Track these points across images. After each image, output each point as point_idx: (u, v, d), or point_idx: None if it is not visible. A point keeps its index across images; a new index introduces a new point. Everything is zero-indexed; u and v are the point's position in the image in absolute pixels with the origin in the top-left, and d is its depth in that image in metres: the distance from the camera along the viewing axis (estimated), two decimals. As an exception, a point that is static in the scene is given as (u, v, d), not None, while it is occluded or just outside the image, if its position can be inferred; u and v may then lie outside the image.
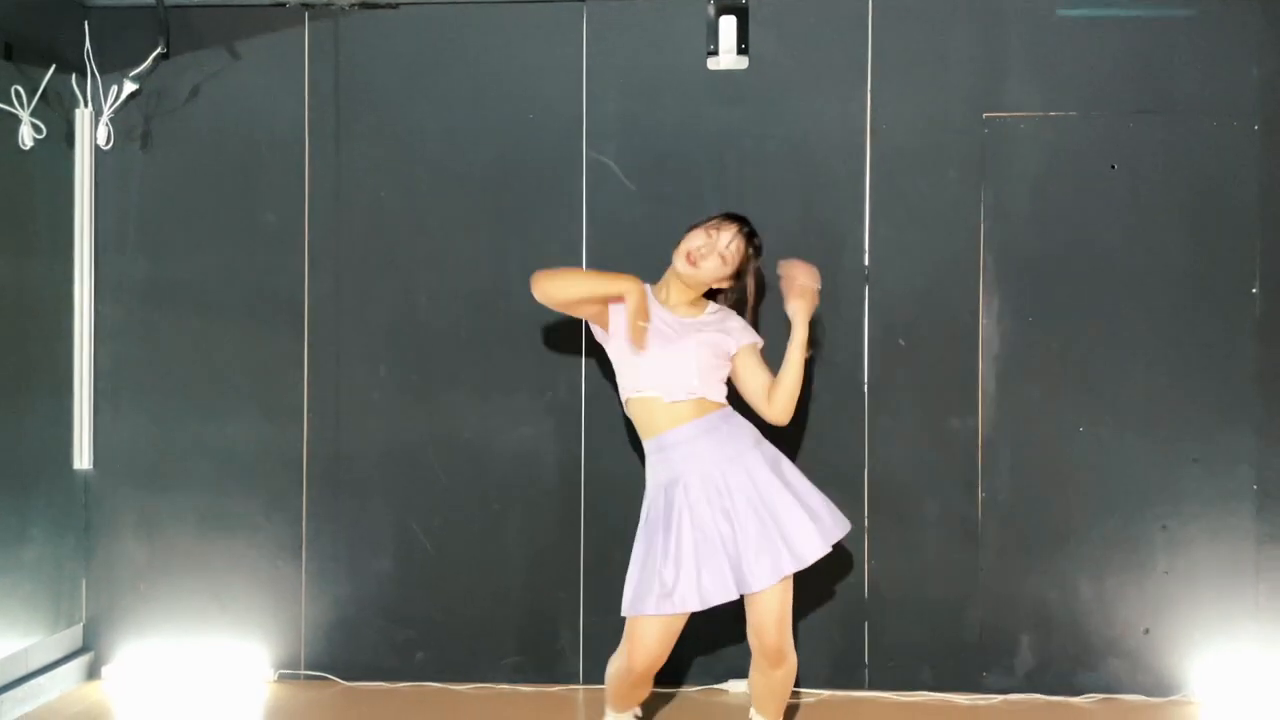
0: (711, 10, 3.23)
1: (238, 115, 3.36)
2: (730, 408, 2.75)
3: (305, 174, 3.34)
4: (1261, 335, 3.19)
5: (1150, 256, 3.21)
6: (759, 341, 2.80)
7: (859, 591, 3.26)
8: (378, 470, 3.34)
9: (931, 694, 3.23)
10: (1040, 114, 3.22)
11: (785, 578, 2.62)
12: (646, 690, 2.77)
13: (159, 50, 3.26)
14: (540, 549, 3.31)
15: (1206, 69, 3.20)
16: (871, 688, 3.25)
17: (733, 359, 2.76)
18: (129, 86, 3.28)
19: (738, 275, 2.78)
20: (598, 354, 3.24)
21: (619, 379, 2.78)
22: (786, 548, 2.61)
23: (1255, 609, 3.19)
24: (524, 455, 3.31)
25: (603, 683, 2.89)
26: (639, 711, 2.91)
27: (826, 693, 3.24)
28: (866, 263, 3.24)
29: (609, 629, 3.11)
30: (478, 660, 3.32)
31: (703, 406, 2.69)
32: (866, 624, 3.26)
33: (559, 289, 2.66)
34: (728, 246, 2.73)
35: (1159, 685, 3.21)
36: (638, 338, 2.64)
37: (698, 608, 2.59)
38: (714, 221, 2.77)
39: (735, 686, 3.25)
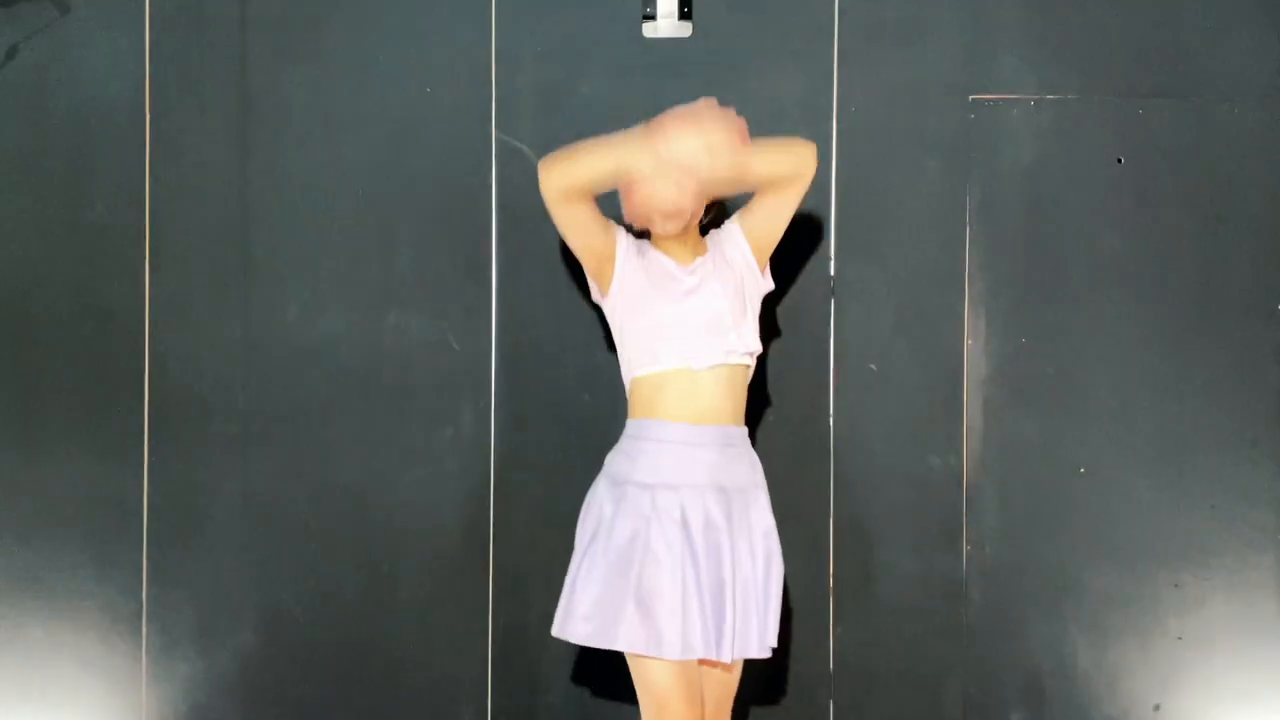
0: (648, -35, 3.03)
1: (62, 83, 3.12)
2: (747, 430, 2.64)
3: (145, 157, 3.12)
4: (1286, 359, 3.06)
5: (1162, 266, 3.06)
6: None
7: (823, 663, 3.08)
8: (236, 522, 3.09)
9: (908, 785, 3.04)
10: (1035, 97, 3.06)
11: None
12: None
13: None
14: (439, 618, 3.09)
15: (1229, 45, 3.06)
16: (838, 778, 3.06)
17: (746, 235, 2.64)
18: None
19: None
20: (511, 373, 3.08)
21: (625, 354, 2.60)
22: (771, 621, 2.50)
23: (1281, 679, 3.06)
24: (418, 504, 3.08)
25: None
26: None
27: (784, 786, 3.01)
28: (832, 272, 3.06)
29: (523, 712, 2.97)
30: (362, 754, 3.09)
31: (733, 401, 2.53)
32: (832, 703, 3.08)
33: (570, 171, 2.55)
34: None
35: (1170, 770, 3.05)
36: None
37: (679, 657, 2.39)
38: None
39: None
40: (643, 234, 2.66)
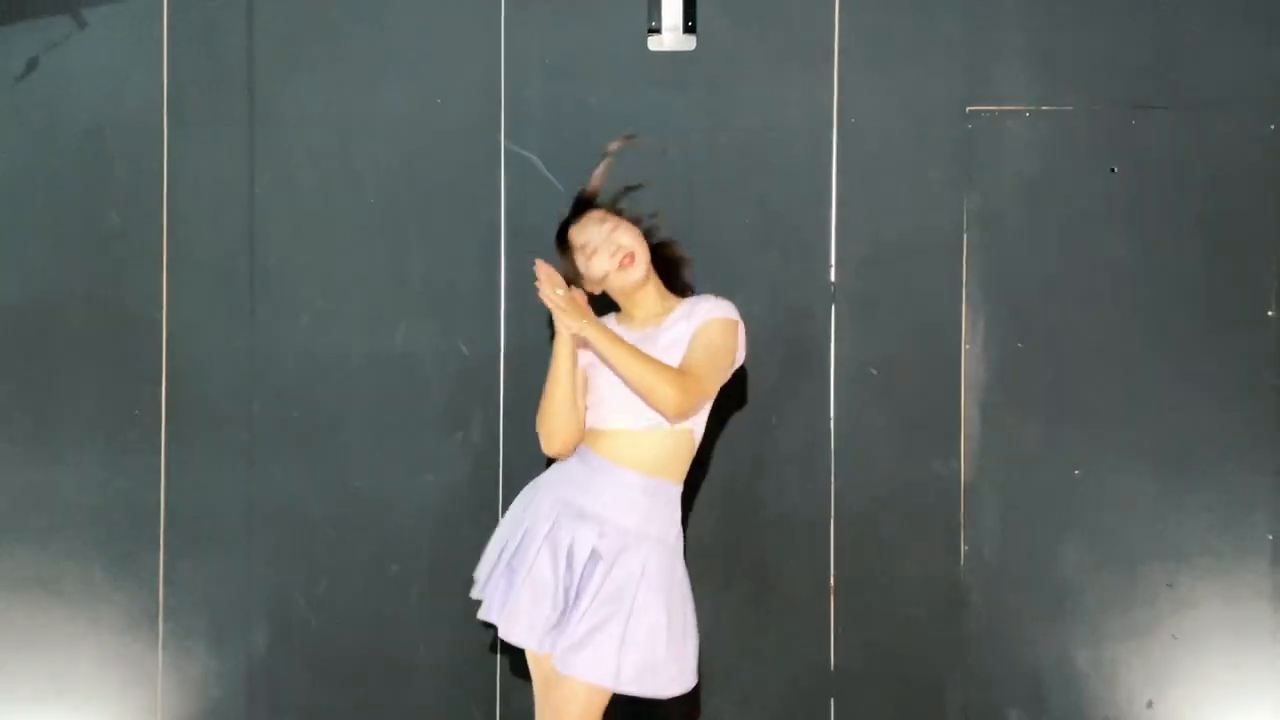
0: (653, -21, 3.03)
1: (79, 95, 3.10)
2: (679, 492, 2.54)
3: (163, 169, 3.10)
4: (1280, 365, 3.03)
5: (1158, 274, 3.03)
6: (726, 317, 2.49)
7: (824, 664, 3.05)
8: (249, 525, 3.09)
9: (908, 782, 3.03)
10: (1032, 107, 3.04)
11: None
12: None
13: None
14: (449, 620, 3.05)
15: (1222, 56, 3.02)
16: (839, 776, 3.05)
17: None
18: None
19: (652, 242, 2.55)
20: (520, 379, 3.06)
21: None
22: (616, 658, 2.39)
23: (1273, 678, 3.01)
24: (429, 508, 3.06)
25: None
26: None
27: (787, 784, 3.01)
28: (833, 278, 3.04)
29: (531, 716, 2.83)
30: (373, 753, 3.08)
31: (662, 458, 2.47)
32: (833, 701, 3.05)
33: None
34: (609, 234, 2.48)
35: (1164, 766, 3.03)
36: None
37: (510, 640, 2.51)
38: (566, 240, 2.56)
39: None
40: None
